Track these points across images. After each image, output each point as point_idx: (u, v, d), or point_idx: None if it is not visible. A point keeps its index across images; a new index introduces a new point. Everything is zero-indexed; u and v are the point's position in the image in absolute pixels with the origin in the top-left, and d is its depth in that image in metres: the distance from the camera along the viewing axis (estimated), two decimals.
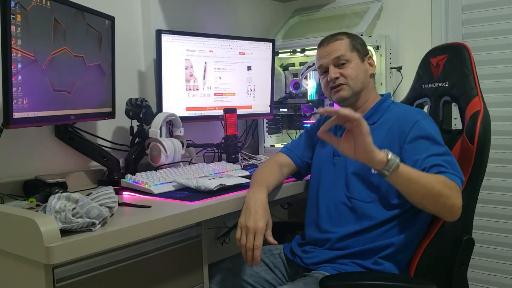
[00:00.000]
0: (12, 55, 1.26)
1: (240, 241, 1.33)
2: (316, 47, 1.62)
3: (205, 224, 1.38)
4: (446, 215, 1.31)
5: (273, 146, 2.38)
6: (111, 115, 1.77)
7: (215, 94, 2.11)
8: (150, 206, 1.32)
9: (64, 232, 1.04)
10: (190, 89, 2.02)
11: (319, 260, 1.44)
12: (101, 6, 1.72)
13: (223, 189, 1.48)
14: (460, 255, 1.41)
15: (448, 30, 2.22)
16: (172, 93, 1.95)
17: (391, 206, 1.40)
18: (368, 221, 1.41)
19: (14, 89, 1.28)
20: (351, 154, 1.26)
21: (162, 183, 1.53)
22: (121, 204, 1.33)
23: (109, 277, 1.15)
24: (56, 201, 1.11)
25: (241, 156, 2.08)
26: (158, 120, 1.76)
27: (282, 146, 1.84)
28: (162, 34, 1.89)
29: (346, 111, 1.20)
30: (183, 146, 1.81)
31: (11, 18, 1.25)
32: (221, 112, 2.02)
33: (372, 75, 1.60)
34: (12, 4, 1.25)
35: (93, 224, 1.08)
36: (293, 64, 2.42)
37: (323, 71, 1.57)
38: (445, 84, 1.59)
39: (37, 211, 1.14)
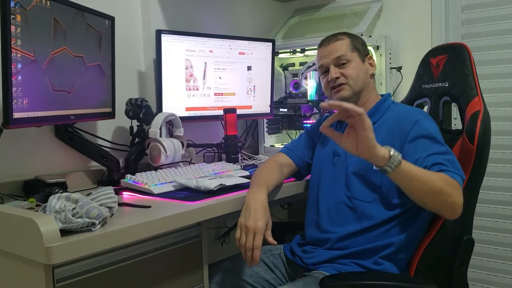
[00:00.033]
0: (12, 55, 1.26)
1: (240, 241, 1.33)
2: (316, 47, 1.62)
3: (205, 224, 1.38)
4: (447, 213, 1.31)
5: (273, 146, 2.38)
6: (111, 115, 1.77)
7: (215, 94, 2.11)
8: (150, 206, 1.32)
9: (64, 232, 1.04)
10: (190, 89, 2.02)
11: (319, 260, 1.44)
12: (101, 6, 1.72)
13: (223, 189, 1.48)
14: (460, 255, 1.41)
15: (448, 30, 2.22)
16: (172, 93, 1.95)
17: (392, 206, 1.40)
18: (368, 221, 1.41)
19: (14, 89, 1.28)
20: (353, 150, 1.25)
21: (162, 183, 1.53)
22: (121, 204, 1.33)
23: (109, 277, 1.15)
24: (56, 201, 1.11)
25: (241, 156, 2.08)
26: (158, 120, 1.76)
27: (282, 146, 1.84)
28: (162, 34, 1.89)
29: (350, 105, 1.19)
30: (183, 146, 1.81)
31: (11, 18, 1.25)
32: (221, 112, 2.02)
33: (373, 75, 1.60)
34: (12, 4, 1.25)
35: (93, 224, 1.08)
36: (293, 64, 2.42)
37: (324, 71, 1.57)
38: (445, 84, 1.59)
39: (37, 211, 1.14)
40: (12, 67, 1.26)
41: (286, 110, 2.31)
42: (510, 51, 2.11)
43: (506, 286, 2.16)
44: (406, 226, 1.41)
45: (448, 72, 1.59)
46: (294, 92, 2.32)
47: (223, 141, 1.99)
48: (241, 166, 1.85)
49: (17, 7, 1.27)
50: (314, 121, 1.80)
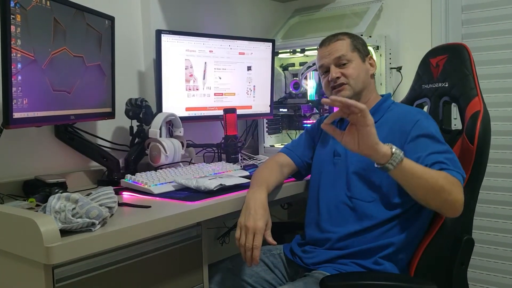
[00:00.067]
0: (12, 55, 1.26)
1: (240, 241, 1.33)
2: (316, 47, 1.63)
3: (205, 224, 1.38)
4: (448, 211, 1.31)
5: (273, 146, 2.38)
6: (111, 115, 1.77)
7: (215, 94, 2.11)
8: (150, 206, 1.32)
9: (64, 232, 1.04)
10: (190, 89, 2.02)
11: (319, 260, 1.44)
12: (101, 6, 1.72)
13: (223, 189, 1.48)
14: (460, 255, 1.41)
15: (448, 30, 2.22)
16: (172, 93, 1.95)
17: (392, 205, 1.40)
18: (368, 221, 1.41)
19: (14, 89, 1.28)
20: (355, 147, 1.25)
21: (162, 183, 1.53)
22: (121, 204, 1.33)
23: (109, 277, 1.15)
24: (56, 201, 1.11)
25: (241, 156, 2.08)
26: (158, 120, 1.76)
27: (282, 146, 1.84)
28: (162, 34, 1.89)
29: (352, 101, 1.19)
30: (183, 146, 1.81)
31: (11, 18, 1.25)
32: (221, 112, 2.02)
33: (373, 76, 1.60)
34: (12, 4, 1.25)
35: (93, 224, 1.08)
36: (293, 64, 2.42)
37: (324, 71, 1.57)
38: (445, 84, 1.60)
39: (37, 211, 1.14)
40: (12, 67, 1.26)
41: (286, 110, 2.31)
42: (510, 51, 2.11)
43: (506, 286, 2.16)
44: (406, 226, 1.41)
45: (448, 72, 1.59)
46: (294, 92, 2.32)
47: (223, 141, 1.99)
48: (241, 166, 1.85)
49: (17, 7, 1.27)
50: (314, 121, 1.80)
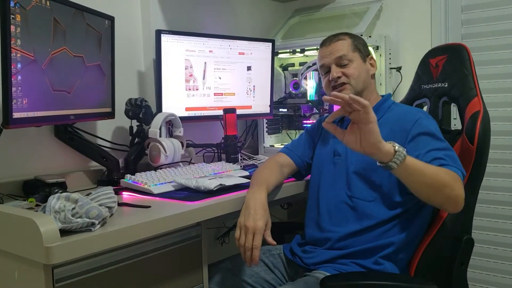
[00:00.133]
0: (12, 55, 1.26)
1: (239, 241, 1.33)
2: (316, 47, 1.63)
3: (205, 224, 1.38)
4: (450, 206, 1.31)
5: (273, 146, 2.38)
6: (110, 115, 1.77)
7: (214, 94, 2.11)
8: (149, 206, 1.32)
9: (64, 232, 1.04)
10: (189, 89, 2.02)
11: (319, 260, 1.44)
12: (101, 6, 1.72)
13: (223, 189, 1.48)
14: (460, 255, 1.41)
15: (448, 30, 2.22)
16: (171, 93, 1.95)
17: (392, 205, 1.40)
18: (368, 220, 1.41)
19: (13, 89, 1.28)
20: (357, 146, 1.23)
21: (162, 183, 1.53)
22: (120, 204, 1.33)
23: (108, 277, 1.15)
24: (55, 201, 1.11)
25: (241, 156, 2.08)
26: (157, 120, 1.76)
27: (282, 146, 1.84)
28: (162, 34, 1.89)
29: (356, 96, 1.18)
30: (182, 146, 1.81)
31: (11, 18, 1.25)
32: (220, 112, 2.02)
33: (373, 76, 1.60)
34: (12, 4, 1.25)
35: (93, 224, 1.08)
36: (292, 64, 2.42)
37: (325, 71, 1.57)
38: (445, 84, 1.60)
39: (37, 211, 1.14)
40: (12, 67, 1.26)
41: (285, 110, 2.31)
42: (510, 51, 2.11)
43: (505, 286, 2.16)
44: (407, 225, 1.41)
45: (448, 72, 1.59)
46: (293, 92, 2.32)
47: (222, 141, 1.99)
48: (240, 166, 1.85)
49: (17, 7, 1.27)
50: (314, 121, 1.80)
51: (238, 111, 2.04)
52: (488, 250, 2.19)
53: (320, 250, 1.46)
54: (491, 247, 2.19)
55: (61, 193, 1.19)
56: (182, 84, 1.99)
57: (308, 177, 1.67)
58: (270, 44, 2.26)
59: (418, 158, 1.30)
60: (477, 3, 2.16)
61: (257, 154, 2.29)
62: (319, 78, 2.14)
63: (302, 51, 2.30)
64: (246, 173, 1.74)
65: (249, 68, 2.21)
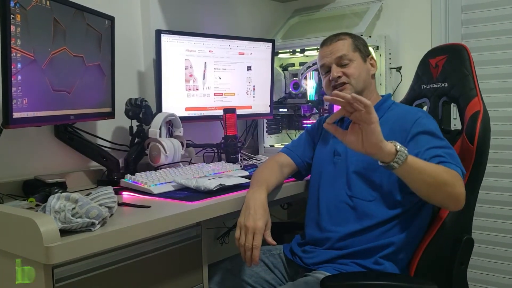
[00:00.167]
0: (12, 55, 1.26)
1: (239, 241, 1.33)
2: (316, 47, 1.63)
3: (205, 224, 1.38)
4: (450, 204, 1.31)
5: (273, 146, 2.38)
6: (110, 115, 1.77)
7: (214, 94, 2.11)
8: (149, 206, 1.32)
9: (64, 232, 1.04)
10: (189, 89, 2.02)
11: (319, 260, 1.44)
12: (101, 6, 1.72)
13: (223, 189, 1.48)
14: (460, 255, 1.41)
15: (448, 30, 2.22)
16: (171, 93, 1.95)
17: (392, 205, 1.40)
18: (369, 220, 1.41)
19: (13, 89, 1.28)
20: (358, 146, 1.23)
21: (162, 183, 1.53)
22: (120, 204, 1.33)
23: (108, 277, 1.15)
24: (55, 201, 1.11)
25: (241, 156, 2.08)
26: (157, 120, 1.76)
27: (282, 146, 1.84)
28: (162, 34, 1.89)
29: (358, 96, 1.17)
30: (182, 146, 1.81)
31: (11, 18, 1.25)
32: (220, 112, 2.02)
33: (374, 76, 1.60)
34: (12, 4, 1.25)
35: (93, 224, 1.08)
36: (292, 64, 2.42)
37: (326, 70, 1.57)
38: (444, 84, 1.60)
39: (37, 211, 1.14)
40: (12, 67, 1.26)
41: (285, 110, 2.31)
42: (510, 51, 2.11)
43: (505, 286, 2.16)
44: (407, 225, 1.41)
45: (448, 72, 1.59)
46: (293, 92, 2.32)
47: (222, 141, 1.99)
48: (240, 166, 1.85)
49: (17, 7, 1.27)
50: (314, 121, 1.80)
51: (238, 111, 2.04)
52: (488, 250, 2.19)
53: (320, 250, 1.46)
54: (491, 247, 2.19)
55: (61, 193, 1.19)
56: (182, 84, 1.99)
57: (308, 177, 1.67)
58: (270, 44, 2.26)
59: (417, 156, 1.29)
60: (477, 3, 2.16)
61: (257, 154, 2.29)
62: (319, 78, 2.14)
63: (302, 51, 2.30)
64: (246, 173, 1.74)
65: (249, 68, 2.21)
